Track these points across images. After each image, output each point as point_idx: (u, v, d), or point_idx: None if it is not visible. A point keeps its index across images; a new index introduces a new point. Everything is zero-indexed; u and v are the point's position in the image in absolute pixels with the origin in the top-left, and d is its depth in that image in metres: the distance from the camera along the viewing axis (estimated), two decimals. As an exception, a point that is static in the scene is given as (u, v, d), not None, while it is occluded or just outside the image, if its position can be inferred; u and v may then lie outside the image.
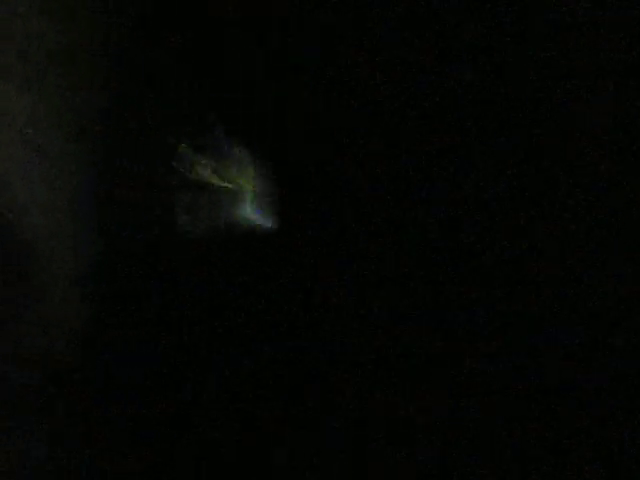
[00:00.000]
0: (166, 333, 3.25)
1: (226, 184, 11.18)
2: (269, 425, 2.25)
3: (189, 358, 2.88)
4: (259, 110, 6.71)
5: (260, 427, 2.23)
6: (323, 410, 2.34)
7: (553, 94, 2.01)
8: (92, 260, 3.18)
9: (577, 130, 1.88)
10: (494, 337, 2.49)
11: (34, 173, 2.61)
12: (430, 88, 2.98)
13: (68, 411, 2.32)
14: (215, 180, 9.98)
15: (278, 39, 4.12)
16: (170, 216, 6.91)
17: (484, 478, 1.85)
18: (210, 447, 2.11)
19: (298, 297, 3.62)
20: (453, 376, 2.47)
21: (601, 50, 1.73)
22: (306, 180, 5.82)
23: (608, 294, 1.78)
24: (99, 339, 3.03)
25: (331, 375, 2.67)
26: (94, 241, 3.41)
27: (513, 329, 2.38)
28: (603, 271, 1.80)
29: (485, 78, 2.45)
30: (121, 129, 4.26)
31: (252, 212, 13.79)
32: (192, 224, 8.21)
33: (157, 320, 3.52)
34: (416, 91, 3.14)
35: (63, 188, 2.88)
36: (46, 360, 2.51)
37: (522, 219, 2.29)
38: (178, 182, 7.63)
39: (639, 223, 1.65)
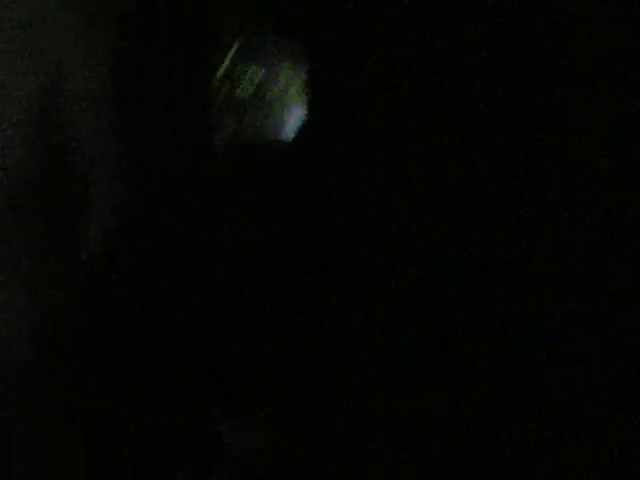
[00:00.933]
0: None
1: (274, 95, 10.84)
2: (269, 425, 2.24)
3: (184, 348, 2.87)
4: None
5: (259, 427, 2.23)
6: (323, 410, 2.34)
7: (553, 94, 2.01)
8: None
9: (577, 130, 1.87)
10: (494, 337, 2.47)
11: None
12: (430, 87, 2.92)
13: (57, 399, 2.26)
14: (258, 76, 9.61)
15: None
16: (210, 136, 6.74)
17: (484, 478, 1.87)
18: (209, 446, 2.11)
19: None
20: (453, 376, 2.44)
21: (601, 50, 1.72)
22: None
23: (608, 294, 1.77)
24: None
25: (330, 375, 2.66)
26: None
27: (513, 329, 2.36)
28: (603, 271, 1.80)
29: (485, 77, 2.44)
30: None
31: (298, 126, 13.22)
32: (235, 141, 7.97)
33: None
34: (415, 90, 3.04)
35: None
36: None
37: (522, 219, 2.28)
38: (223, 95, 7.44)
39: (639, 223, 1.65)
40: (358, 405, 2.33)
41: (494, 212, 2.51)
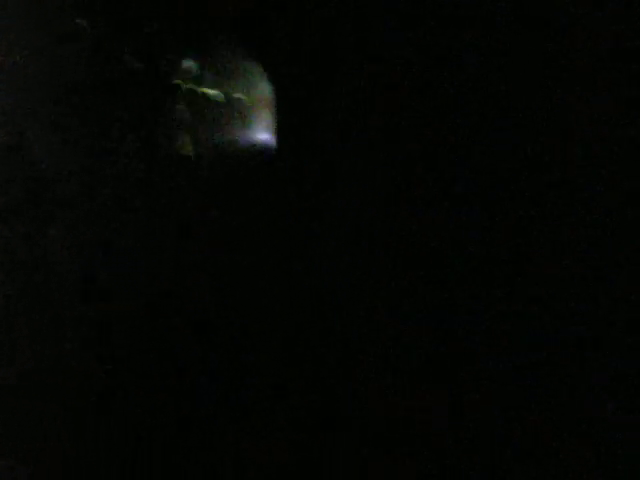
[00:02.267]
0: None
1: (229, 97, 10.73)
2: (269, 425, 2.24)
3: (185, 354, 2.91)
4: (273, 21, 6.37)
5: (260, 427, 2.22)
6: (323, 410, 2.33)
7: (553, 94, 2.00)
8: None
9: (577, 130, 1.87)
10: (494, 337, 2.47)
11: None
12: (429, 87, 2.94)
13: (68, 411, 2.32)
14: (217, 96, 9.52)
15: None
16: (168, 136, 6.73)
17: (484, 478, 1.87)
18: (209, 447, 2.10)
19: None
20: (453, 376, 2.45)
21: (601, 49, 1.72)
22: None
23: (608, 294, 1.78)
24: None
25: (330, 375, 2.67)
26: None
27: (513, 329, 2.36)
28: (603, 271, 1.80)
29: (485, 77, 2.44)
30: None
31: (254, 129, 13.16)
32: (192, 143, 7.93)
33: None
34: (415, 89, 3.08)
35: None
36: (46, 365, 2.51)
37: (522, 218, 2.29)
38: (180, 99, 7.39)
39: (639, 223, 1.66)
40: (358, 405, 2.33)
41: (494, 212, 2.51)
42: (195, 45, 7.30)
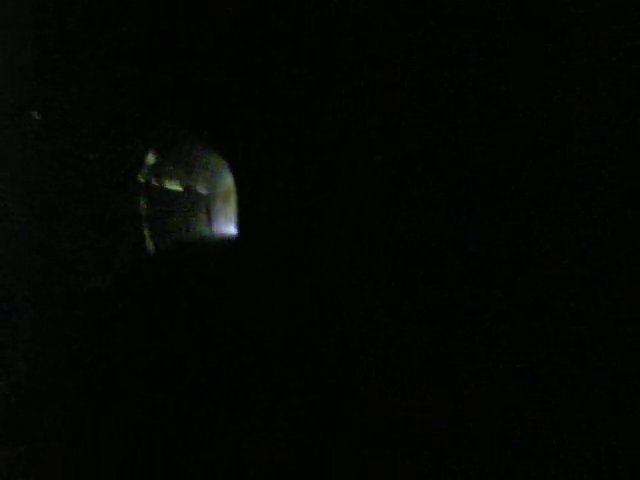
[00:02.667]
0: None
1: (189, 190, 10.97)
2: (269, 425, 2.23)
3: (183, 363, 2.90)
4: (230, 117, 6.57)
5: (260, 427, 2.21)
6: (323, 410, 2.32)
7: (553, 94, 2.03)
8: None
9: (577, 130, 1.89)
10: (494, 337, 2.49)
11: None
12: (429, 86, 2.96)
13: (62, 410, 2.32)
14: (177, 186, 9.79)
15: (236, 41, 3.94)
16: (132, 227, 6.78)
17: (484, 478, 1.88)
18: (209, 447, 2.09)
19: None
20: (453, 376, 2.47)
21: (602, 49, 1.74)
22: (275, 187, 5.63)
23: (608, 294, 1.78)
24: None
25: (330, 375, 2.67)
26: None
27: (513, 329, 2.37)
28: (603, 271, 1.81)
29: (484, 77, 2.47)
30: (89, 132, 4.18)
31: (211, 220, 13.45)
32: (153, 234, 8.06)
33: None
34: (415, 89, 3.09)
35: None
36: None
37: (522, 218, 2.31)
38: (141, 190, 7.53)
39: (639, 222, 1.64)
40: (358, 405, 2.33)
41: (494, 212, 2.54)
42: (156, 137, 7.33)
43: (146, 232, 7.98)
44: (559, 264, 2.05)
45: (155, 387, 2.57)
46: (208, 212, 12.16)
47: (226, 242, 10.93)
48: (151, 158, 7.93)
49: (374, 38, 3.31)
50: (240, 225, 10.18)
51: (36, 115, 2.77)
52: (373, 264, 3.87)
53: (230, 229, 15.00)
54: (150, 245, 8.23)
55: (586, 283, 1.90)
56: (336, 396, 2.44)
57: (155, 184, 8.56)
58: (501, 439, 2.04)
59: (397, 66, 3.22)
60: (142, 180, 7.84)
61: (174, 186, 9.84)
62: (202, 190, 11.24)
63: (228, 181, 12.88)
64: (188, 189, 10.52)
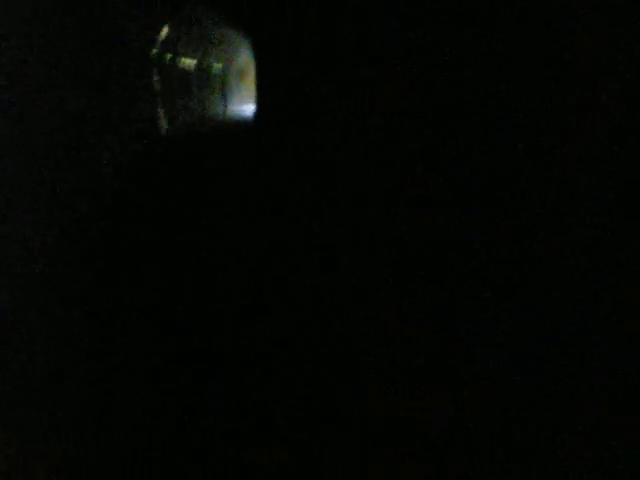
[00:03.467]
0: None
1: (206, 67, 9.91)
2: (269, 426, 2.24)
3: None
4: None
5: (260, 427, 2.23)
6: (323, 410, 2.33)
7: (553, 93, 1.96)
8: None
9: (578, 130, 1.83)
10: (494, 337, 2.50)
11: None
12: (429, 86, 2.77)
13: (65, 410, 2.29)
14: (190, 64, 8.86)
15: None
16: (149, 108, 6.37)
17: (484, 478, 1.86)
18: (208, 447, 2.10)
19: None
20: (453, 376, 2.46)
21: (603, 49, 1.67)
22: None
23: (608, 294, 1.77)
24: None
25: (331, 375, 2.65)
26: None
27: (513, 329, 2.38)
28: (604, 270, 1.78)
29: (485, 76, 2.36)
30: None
31: (226, 100, 12.36)
32: (170, 114, 7.60)
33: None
34: (415, 89, 2.86)
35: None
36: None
37: (522, 218, 2.25)
38: (157, 69, 6.90)
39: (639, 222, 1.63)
40: (358, 405, 2.33)
41: (494, 212, 2.45)
42: (170, 11, 6.09)
43: (159, 109, 7.62)
44: (559, 264, 2.04)
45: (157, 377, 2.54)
46: (223, 91, 11.23)
47: (242, 123, 10.30)
48: (164, 33, 7.11)
49: (375, 34, 2.99)
50: (258, 105, 9.56)
51: None
52: (373, 264, 3.78)
53: (245, 109, 14.02)
54: (163, 123, 7.95)
55: (586, 283, 1.90)
56: (336, 396, 2.45)
57: (168, 60, 7.85)
58: (501, 439, 2.03)
59: (397, 64, 2.94)
60: (155, 56, 7.17)
61: (188, 63, 8.97)
62: (217, 68, 10.17)
63: (243, 59, 11.58)
64: (202, 67, 9.56)
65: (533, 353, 2.26)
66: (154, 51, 7.12)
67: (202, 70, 9.47)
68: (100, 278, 3.32)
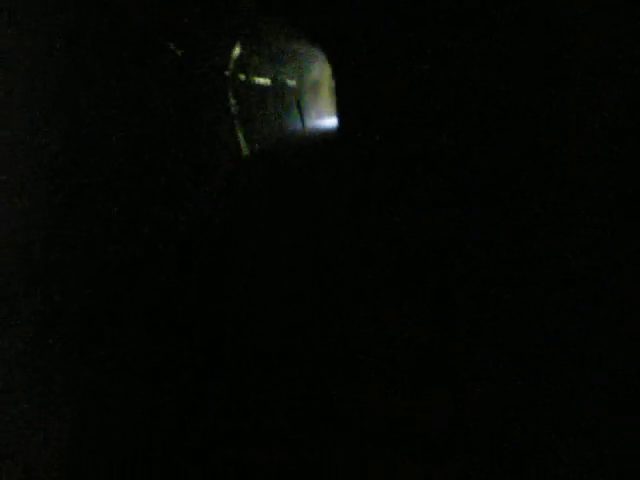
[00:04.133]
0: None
1: (280, 84, 10.12)
2: (269, 426, 2.25)
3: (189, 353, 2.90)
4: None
5: (260, 427, 2.24)
6: (323, 410, 2.33)
7: (553, 93, 1.95)
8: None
9: (578, 130, 1.82)
10: (494, 337, 2.45)
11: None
12: (430, 85, 2.87)
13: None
14: (265, 80, 9.10)
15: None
16: (223, 129, 6.58)
17: (484, 478, 1.84)
18: (208, 447, 2.11)
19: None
20: (453, 376, 2.42)
21: (603, 49, 1.67)
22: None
23: (609, 293, 1.75)
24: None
25: (331, 375, 2.65)
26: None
27: (513, 329, 2.36)
28: (604, 270, 1.76)
29: (485, 76, 2.39)
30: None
31: (303, 115, 12.36)
32: (247, 136, 7.71)
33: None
34: (415, 88, 3.03)
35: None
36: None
37: (522, 219, 2.25)
38: (230, 87, 7.13)
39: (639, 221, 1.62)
40: (358, 405, 2.31)
41: (495, 213, 2.45)
42: (241, 28, 6.32)
43: (239, 132, 7.96)
44: (559, 264, 2.02)
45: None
46: (299, 106, 11.67)
47: (322, 139, 10.46)
48: (237, 51, 7.58)
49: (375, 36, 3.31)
50: (339, 118, 9.67)
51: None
52: (374, 264, 3.80)
53: (323, 122, 14.41)
54: (245, 147, 8.21)
55: (586, 283, 1.87)
56: (336, 396, 2.44)
57: (242, 79, 8.33)
58: (501, 439, 2.01)
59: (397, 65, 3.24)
60: (228, 75, 7.62)
61: (262, 80, 9.47)
62: (291, 83, 10.61)
63: (316, 72, 11.93)
64: (276, 82, 10.05)
65: (533, 353, 2.23)
66: (228, 71, 7.58)
67: (277, 86, 9.98)
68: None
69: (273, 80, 9.83)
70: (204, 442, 2.16)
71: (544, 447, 1.91)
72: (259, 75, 9.01)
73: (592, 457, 1.76)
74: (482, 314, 2.57)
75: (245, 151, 8.28)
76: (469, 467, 1.91)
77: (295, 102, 11.48)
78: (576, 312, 1.91)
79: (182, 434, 2.22)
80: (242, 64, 7.89)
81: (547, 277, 2.08)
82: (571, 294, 1.93)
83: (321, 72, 12.79)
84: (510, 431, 2.01)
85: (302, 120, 12.39)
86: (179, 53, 4.89)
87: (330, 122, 15.42)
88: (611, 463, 1.70)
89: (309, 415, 2.30)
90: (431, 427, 2.09)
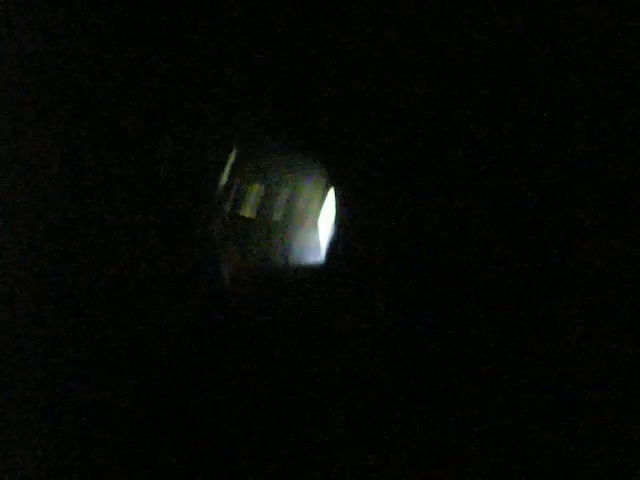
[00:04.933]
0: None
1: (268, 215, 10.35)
2: (270, 426, 2.23)
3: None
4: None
5: (260, 427, 2.22)
6: (323, 410, 2.33)
7: (554, 93, 1.95)
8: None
9: (579, 130, 1.81)
10: (494, 337, 2.37)
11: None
12: (430, 85, 2.92)
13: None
14: (251, 214, 9.27)
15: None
16: (203, 252, 6.36)
17: (484, 478, 1.79)
18: (210, 447, 2.06)
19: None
20: (454, 379, 2.39)
21: (603, 47, 1.66)
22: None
23: (609, 296, 1.69)
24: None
25: (331, 376, 2.62)
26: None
27: (514, 330, 2.26)
28: (604, 270, 1.71)
29: (485, 77, 2.41)
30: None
31: (287, 250, 12.48)
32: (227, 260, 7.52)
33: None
34: (416, 88, 3.09)
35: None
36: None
37: (522, 218, 2.21)
38: (217, 214, 7.09)
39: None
40: (358, 405, 2.30)
41: (495, 214, 2.42)
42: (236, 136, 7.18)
43: (222, 258, 7.62)
44: (560, 264, 1.95)
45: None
46: (283, 241, 11.64)
47: (306, 276, 10.13)
48: (224, 179, 7.56)
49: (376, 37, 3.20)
50: (327, 254, 9.49)
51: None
52: (375, 264, 3.83)
53: (307, 258, 14.36)
54: (226, 274, 7.82)
55: (586, 282, 1.80)
56: (334, 398, 2.43)
57: (229, 209, 8.23)
58: (500, 439, 1.96)
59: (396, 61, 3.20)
60: (217, 204, 7.56)
61: (248, 213, 9.43)
62: (277, 217, 10.70)
63: (303, 206, 12.40)
64: (262, 216, 10.06)
65: (533, 354, 2.12)
66: (214, 200, 7.56)
67: (262, 218, 9.95)
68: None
69: (259, 214, 9.83)
70: (204, 442, 2.08)
71: (544, 447, 1.87)
72: (246, 208, 8.95)
73: (592, 457, 1.70)
74: (483, 315, 2.37)
75: (226, 278, 7.84)
76: (469, 467, 1.86)
77: (280, 236, 11.45)
78: (576, 312, 1.84)
79: (182, 435, 2.15)
80: (229, 195, 7.85)
81: (547, 277, 1.99)
82: (572, 294, 1.87)
83: (306, 206, 13.25)
84: (510, 431, 1.97)
85: (285, 255, 12.20)
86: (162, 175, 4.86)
87: (315, 257, 15.48)
88: (611, 463, 1.64)
89: (307, 416, 2.25)
90: (431, 427, 2.05)
